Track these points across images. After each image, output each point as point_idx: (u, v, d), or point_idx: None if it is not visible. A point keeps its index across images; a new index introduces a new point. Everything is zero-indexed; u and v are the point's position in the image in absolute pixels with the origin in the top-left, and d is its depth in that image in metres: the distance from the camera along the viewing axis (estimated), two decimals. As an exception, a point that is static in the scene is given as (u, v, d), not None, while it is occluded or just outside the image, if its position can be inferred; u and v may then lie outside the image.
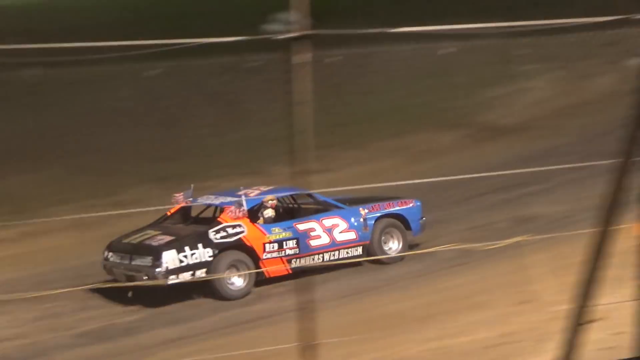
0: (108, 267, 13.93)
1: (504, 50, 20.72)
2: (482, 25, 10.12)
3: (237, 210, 13.73)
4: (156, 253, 13.34)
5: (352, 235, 14.45)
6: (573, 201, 15.62)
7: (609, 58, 20.05)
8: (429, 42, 16.93)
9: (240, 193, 14.23)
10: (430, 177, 15.12)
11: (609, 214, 6.10)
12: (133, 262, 13.64)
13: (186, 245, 13.38)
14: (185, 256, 13.32)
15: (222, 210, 14.00)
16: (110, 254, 13.93)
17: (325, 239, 14.28)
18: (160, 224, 14.35)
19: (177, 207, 14.36)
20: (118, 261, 13.83)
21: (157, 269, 13.19)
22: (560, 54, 17.40)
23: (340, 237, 14.38)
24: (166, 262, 13.20)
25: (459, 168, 18.03)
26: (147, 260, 13.42)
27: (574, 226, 12.83)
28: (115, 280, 13.77)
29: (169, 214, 14.44)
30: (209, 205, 14.56)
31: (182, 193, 14.35)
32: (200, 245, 13.45)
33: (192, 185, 14.59)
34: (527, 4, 19.85)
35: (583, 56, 18.16)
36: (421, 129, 21.01)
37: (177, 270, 13.25)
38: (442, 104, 21.83)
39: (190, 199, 14.48)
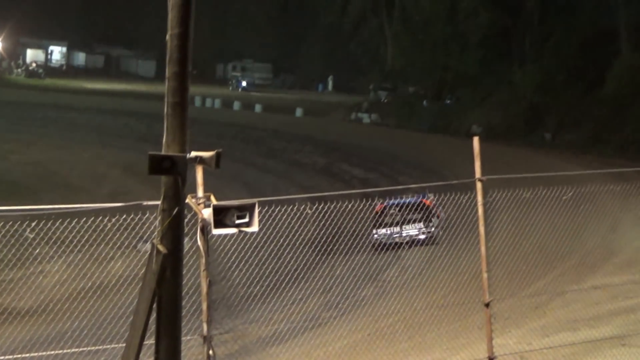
0: (379, 240, 22.14)
1: (16, 234, 20.43)
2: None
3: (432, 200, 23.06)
4: (426, 221, 23.44)
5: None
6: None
7: (122, 242, 20.51)
8: None
9: (405, 195, 23.87)
10: None
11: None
12: (404, 233, 23.61)
13: (433, 217, 23.33)
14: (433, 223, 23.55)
15: (421, 202, 23.06)
16: (380, 230, 22.47)
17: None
18: (383, 214, 23.26)
19: (381, 206, 21.85)
20: (388, 233, 23.05)
21: (432, 230, 23.29)
22: (75, 238, 17.53)
23: None
24: (433, 225, 22.99)
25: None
26: (420, 225, 23.78)
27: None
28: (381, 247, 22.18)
29: (377, 210, 22.17)
30: (409, 202, 22.65)
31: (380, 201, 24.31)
32: (434, 218, 23.70)
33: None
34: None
35: (98, 240, 18.43)
36: None
37: (435, 230, 23.45)
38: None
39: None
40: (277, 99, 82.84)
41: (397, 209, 25.90)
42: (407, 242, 23.61)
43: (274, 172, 44.27)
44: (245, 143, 53.52)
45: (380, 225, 24.03)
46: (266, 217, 11.24)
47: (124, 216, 11.72)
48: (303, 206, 12.67)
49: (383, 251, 22.79)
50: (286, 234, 14.77)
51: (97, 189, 37.41)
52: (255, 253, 16.12)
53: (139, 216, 11.26)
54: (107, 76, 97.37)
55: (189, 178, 7.31)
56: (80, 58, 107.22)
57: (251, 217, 8.06)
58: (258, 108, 75.06)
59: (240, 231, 8.09)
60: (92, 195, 34.29)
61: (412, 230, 24.78)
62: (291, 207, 12.27)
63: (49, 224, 12.10)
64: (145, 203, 8.83)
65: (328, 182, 40.73)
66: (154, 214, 7.80)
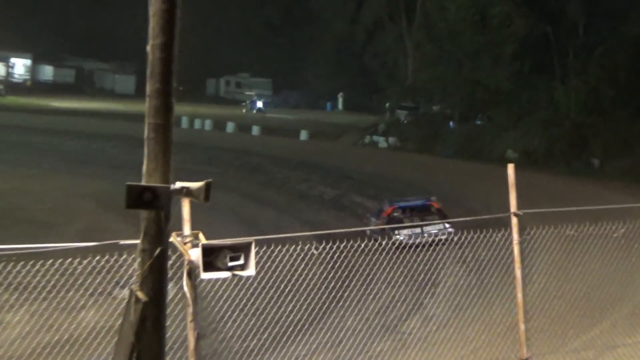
0: (400, 240, 26.99)
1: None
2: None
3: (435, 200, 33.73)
4: (445, 219, 30.55)
5: None
6: None
7: (96, 288, 20.49)
8: None
9: (412, 198, 35.36)
10: None
11: None
12: (425, 231, 30.31)
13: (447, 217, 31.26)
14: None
15: (429, 204, 33.62)
16: (402, 231, 29.21)
17: None
18: (396, 217, 33.12)
19: (390, 209, 33.45)
20: (410, 234, 29.54)
21: (451, 230, 29.14)
22: (40, 283, 17.50)
23: None
24: (448, 226, 29.80)
25: None
26: (441, 226, 30.13)
27: None
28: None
29: (386, 214, 33.24)
30: (417, 204, 33.73)
31: (388, 204, 34.60)
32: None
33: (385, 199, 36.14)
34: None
35: (67, 286, 18.39)
36: None
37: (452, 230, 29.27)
38: None
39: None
40: (278, 120, 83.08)
41: (410, 211, 33.10)
42: (429, 243, 28.03)
43: (274, 206, 44.30)
44: (241, 171, 53.64)
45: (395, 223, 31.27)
46: (264, 258, 11.21)
47: (98, 257, 11.73)
48: (308, 245, 12.66)
49: (405, 250, 24.94)
50: (288, 278, 14.76)
51: (67, 225, 37.45)
52: (251, 301, 16.10)
53: (114, 258, 11.26)
54: (79, 93, 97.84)
55: (173, 213, 7.30)
56: (48, 72, 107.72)
57: (247, 259, 8.03)
58: (256, 130, 75.29)
59: (233, 275, 8.07)
60: (61, 232, 34.32)
61: (433, 230, 30.64)
62: (294, 246, 12.26)
63: (9, 267, 12.08)
64: (122, 242, 8.82)
65: (338, 217, 40.73)
66: (133, 255, 7.78)
